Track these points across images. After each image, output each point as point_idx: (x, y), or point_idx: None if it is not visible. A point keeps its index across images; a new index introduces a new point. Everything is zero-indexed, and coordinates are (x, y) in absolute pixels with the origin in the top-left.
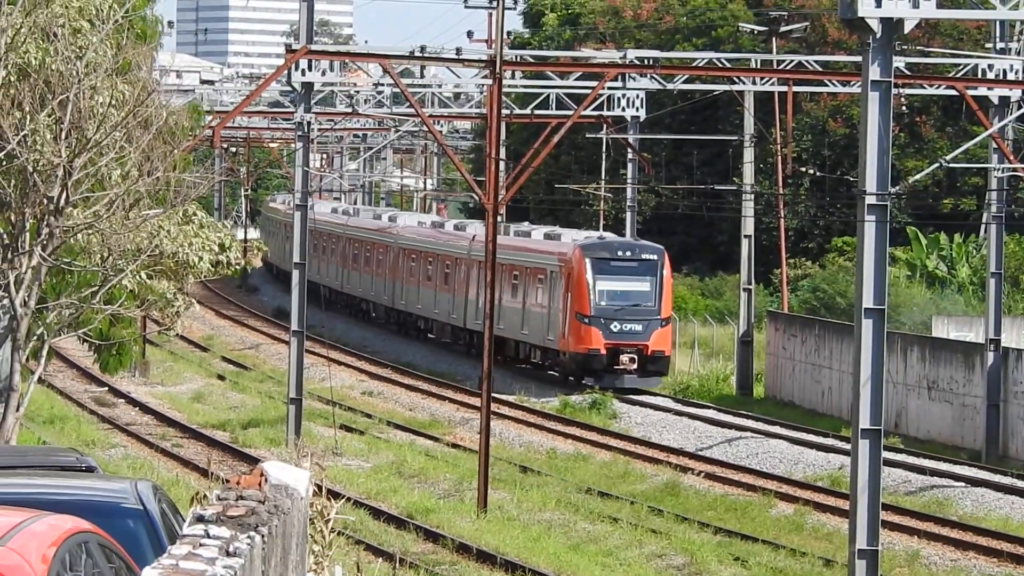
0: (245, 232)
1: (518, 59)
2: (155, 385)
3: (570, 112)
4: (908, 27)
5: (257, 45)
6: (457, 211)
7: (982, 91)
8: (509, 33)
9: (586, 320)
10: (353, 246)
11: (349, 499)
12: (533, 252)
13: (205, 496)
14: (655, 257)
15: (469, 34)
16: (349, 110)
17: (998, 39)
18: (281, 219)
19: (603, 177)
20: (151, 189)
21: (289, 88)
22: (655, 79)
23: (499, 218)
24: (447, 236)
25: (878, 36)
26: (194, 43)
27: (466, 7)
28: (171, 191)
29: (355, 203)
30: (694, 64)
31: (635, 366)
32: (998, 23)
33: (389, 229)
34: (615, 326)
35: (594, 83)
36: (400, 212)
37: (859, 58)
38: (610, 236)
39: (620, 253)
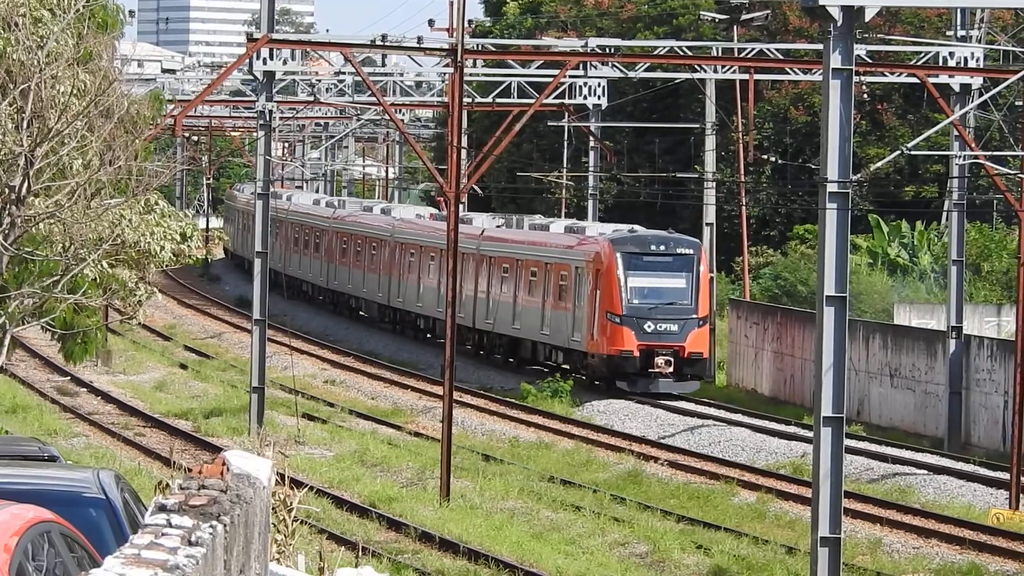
0: (207, 221)
1: (479, 47)
2: (117, 374)
3: (532, 100)
4: (869, 15)
5: (218, 34)
6: (418, 199)
7: (943, 79)
8: (470, 21)
9: (617, 320)
10: (341, 240)
11: (312, 488)
12: (553, 247)
13: (168, 485)
14: (691, 251)
15: (430, 22)
16: (311, 99)
17: (959, 27)
18: (244, 208)
19: (565, 165)
20: (113, 178)
21: (251, 77)
22: (616, 67)
23: (461, 206)
24: None
25: (839, 24)
26: (155, 32)
27: None
28: (133, 180)
29: (317, 191)
30: (655, 52)
31: (671, 369)
32: (959, 11)
33: (384, 222)
34: (649, 326)
35: (556, 71)
36: (395, 204)
37: (820, 46)
38: (641, 229)
39: (653, 247)
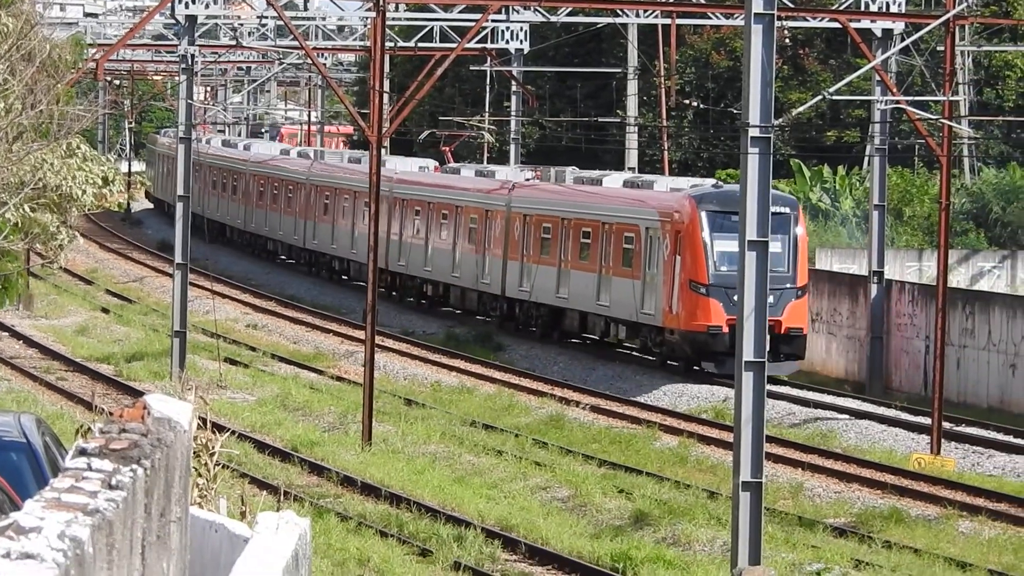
0: (129, 165)
1: None
2: (39, 318)
3: (454, 45)
4: None
5: None
6: (342, 144)
7: (865, 24)
8: None
9: (703, 290)
10: (322, 195)
11: (233, 432)
12: (615, 205)
13: (89, 429)
14: (787, 210)
15: None
16: (233, 43)
17: None
18: (167, 153)
19: (487, 110)
20: (34, 122)
21: (173, 21)
22: (539, 12)
23: (384, 150)
24: (472, 185)
25: None
26: None
27: None
28: (55, 124)
29: (239, 135)
30: None
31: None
32: None
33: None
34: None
35: (478, 15)
36: (390, 156)
37: None
38: (727, 185)
39: None
